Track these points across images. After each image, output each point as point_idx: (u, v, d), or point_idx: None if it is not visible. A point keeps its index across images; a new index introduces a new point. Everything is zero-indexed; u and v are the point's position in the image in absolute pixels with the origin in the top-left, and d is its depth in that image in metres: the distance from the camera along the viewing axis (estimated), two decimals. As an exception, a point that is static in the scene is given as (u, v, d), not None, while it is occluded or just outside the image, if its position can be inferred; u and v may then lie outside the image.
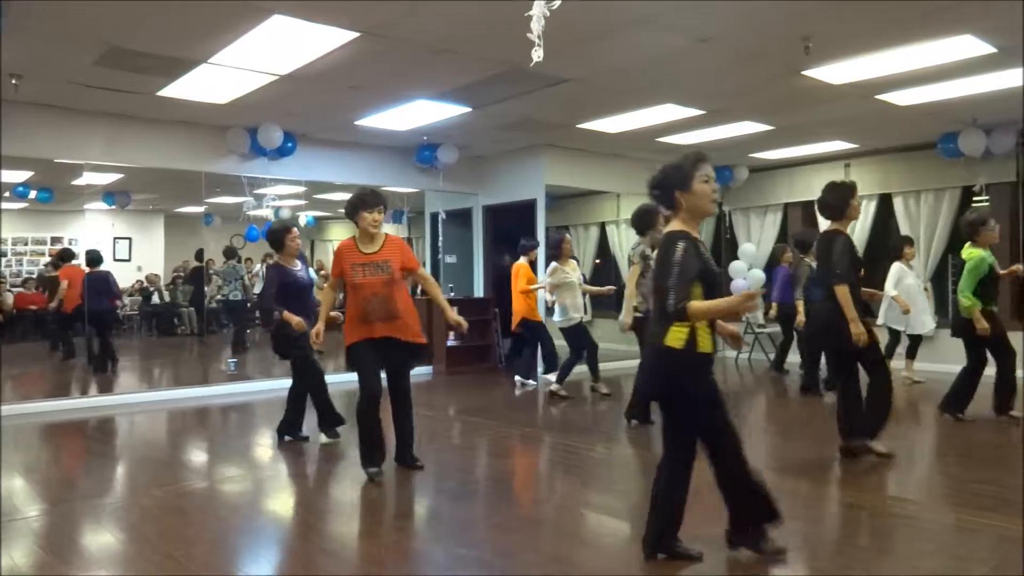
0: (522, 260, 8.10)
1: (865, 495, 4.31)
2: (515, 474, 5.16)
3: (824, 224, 5.15)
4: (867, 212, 9.97)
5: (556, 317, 7.49)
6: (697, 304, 2.90)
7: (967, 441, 5.48)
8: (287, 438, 5.60)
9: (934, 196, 9.35)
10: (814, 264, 7.17)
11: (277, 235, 5.60)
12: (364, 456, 4.53)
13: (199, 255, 11.29)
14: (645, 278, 5.74)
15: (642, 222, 5.93)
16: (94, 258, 8.75)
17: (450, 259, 10.54)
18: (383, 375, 4.55)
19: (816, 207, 5.12)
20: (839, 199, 4.82)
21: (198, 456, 5.56)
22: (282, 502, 4.38)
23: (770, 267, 9.44)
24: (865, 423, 4.79)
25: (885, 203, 9.88)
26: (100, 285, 8.64)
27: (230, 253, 10.74)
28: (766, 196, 11.01)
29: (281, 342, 5.49)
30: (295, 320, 5.22)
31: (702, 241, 3.13)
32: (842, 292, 4.59)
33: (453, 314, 4.65)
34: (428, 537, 3.76)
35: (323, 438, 5.54)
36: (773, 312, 8.72)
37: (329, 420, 5.58)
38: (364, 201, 4.53)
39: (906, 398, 7.33)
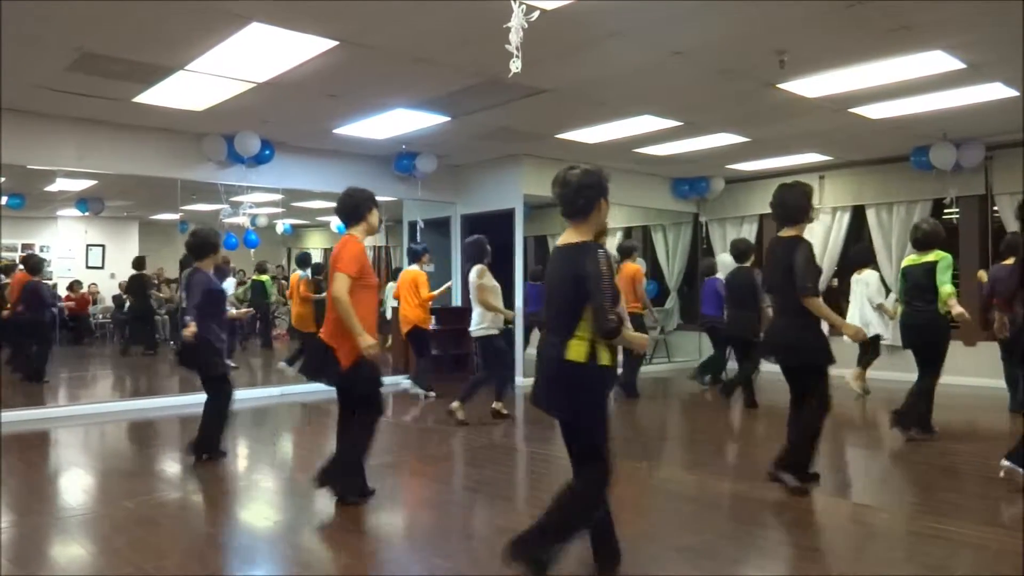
0: (415, 267, 7.94)
1: (835, 505, 4.36)
2: (491, 483, 5.15)
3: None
4: (840, 224, 10.14)
5: (476, 325, 6.72)
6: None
7: (928, 451, 5.56)
8: (205, 456, 5.25)
9: (906, 208, 9.50)
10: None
11: (211, 238, 5.31)
12: (357, 485, 4.23)
13: (138, 263, 10.95)
14: None
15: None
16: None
17: (428, 268, 10.54)
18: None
19: (773, 211, 4.62)
20: (802, 199, 4.45)
21: (170, 467, 5.48)
22: (255, 513, 4.33)
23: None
24: (795, 456, 4.41)
25: (858, 215, 10.04)
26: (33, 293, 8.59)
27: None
28: (742, 207, 11.13)
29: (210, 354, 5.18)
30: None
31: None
32: (816, 304, 4.31)
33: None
34: (405, 547, 3.74)
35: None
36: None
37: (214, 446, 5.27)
38: (374, 200, 4.29)
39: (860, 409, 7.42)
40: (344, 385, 4.20)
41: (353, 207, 4.25)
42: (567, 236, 3.05)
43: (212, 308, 5.17)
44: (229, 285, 9.63)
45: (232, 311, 7.71)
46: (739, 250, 7.52)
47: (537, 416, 7.07)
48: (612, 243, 11.60)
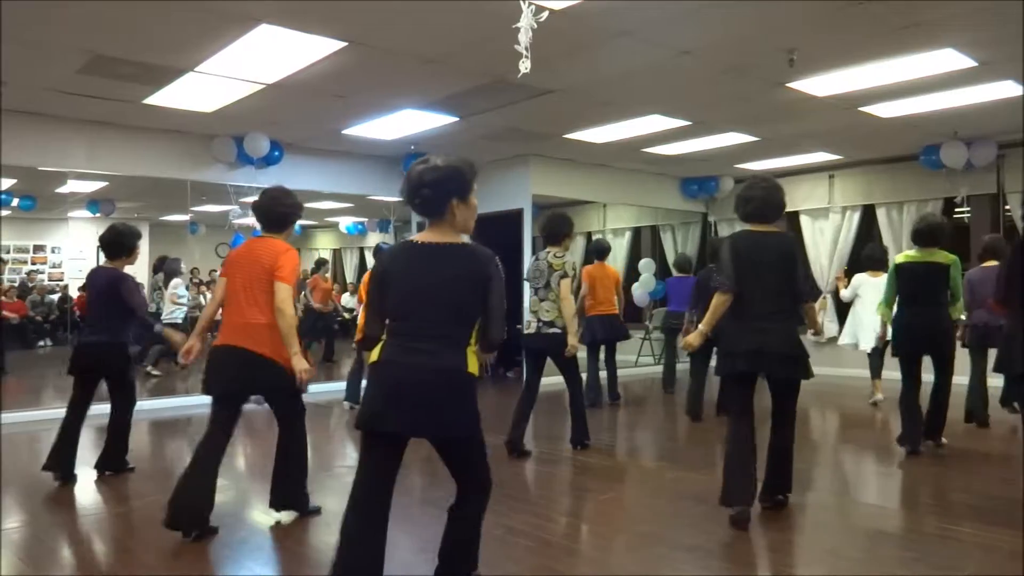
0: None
1: (845, 505, 4.34)
2: (498, 483, 5.14)
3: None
4: (851, 223, 10.11)
5: None
6: None
7: (938, 451, 5.52)
8: (108, 472, 4.97)
9: (916, 207, 9.44)
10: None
11: (123, 239, 4.82)
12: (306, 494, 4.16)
13: None
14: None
15: (562, 229, 5.59)
16: None
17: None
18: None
19: (745, 209, 4.05)
20: (781, 196, 4.05)
21: (179, 467, 5.49)
22: (264, 512, 4.34)
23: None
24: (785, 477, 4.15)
25: (868, 214, 10.00)
26: None
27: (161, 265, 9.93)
28: (751, 207, 11.09)
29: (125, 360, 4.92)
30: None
31: None
32: (814, 310, 4.19)
33: None
34: (411, 548, 3.75)
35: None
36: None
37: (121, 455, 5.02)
38: (301, 211, 4.24)
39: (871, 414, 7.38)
40: (285, 395, 3.95)
41: (281, 216, 4.01)
42: (434, 235, 2.65)
43: (119, 309, 4.74)
44: (176, 287, 9.50)
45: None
46: (716, 248, 7.23)
47: (539, 416, 7.07)
48: (617, 244, 11.58)
